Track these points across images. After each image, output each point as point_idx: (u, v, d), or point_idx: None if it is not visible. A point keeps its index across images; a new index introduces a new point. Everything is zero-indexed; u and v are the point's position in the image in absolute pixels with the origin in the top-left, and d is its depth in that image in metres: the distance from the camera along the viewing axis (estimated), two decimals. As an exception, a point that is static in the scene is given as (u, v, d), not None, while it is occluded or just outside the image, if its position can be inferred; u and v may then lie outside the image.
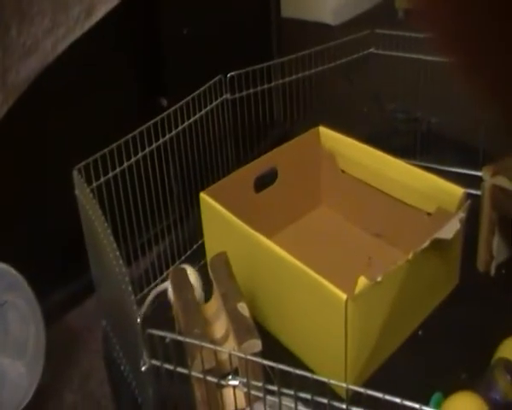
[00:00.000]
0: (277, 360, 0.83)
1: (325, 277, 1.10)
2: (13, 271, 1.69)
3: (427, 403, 1.02)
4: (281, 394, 0.80)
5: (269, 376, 0.88)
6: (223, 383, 0.88)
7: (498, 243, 1.37)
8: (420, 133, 1.68)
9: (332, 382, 0.76)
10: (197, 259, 1.44)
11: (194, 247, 1.46)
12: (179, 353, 0.93)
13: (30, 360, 1.68)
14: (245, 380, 0.85)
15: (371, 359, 1.16)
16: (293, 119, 1.64)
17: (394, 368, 1.20)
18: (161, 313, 1.30)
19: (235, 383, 0.86)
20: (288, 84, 1.59)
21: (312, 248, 1.41)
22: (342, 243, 1.45)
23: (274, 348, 1.22)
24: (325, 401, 0.76)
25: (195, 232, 1.43)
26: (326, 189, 1.54)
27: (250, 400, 0.86)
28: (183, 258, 1.44)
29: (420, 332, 1.27)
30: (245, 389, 0.85)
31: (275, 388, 0.81)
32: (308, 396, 0.77)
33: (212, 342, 1.02)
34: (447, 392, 1.05)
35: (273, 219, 1.44)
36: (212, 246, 1.34)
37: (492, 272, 1.39)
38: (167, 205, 1.42)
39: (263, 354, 0.94)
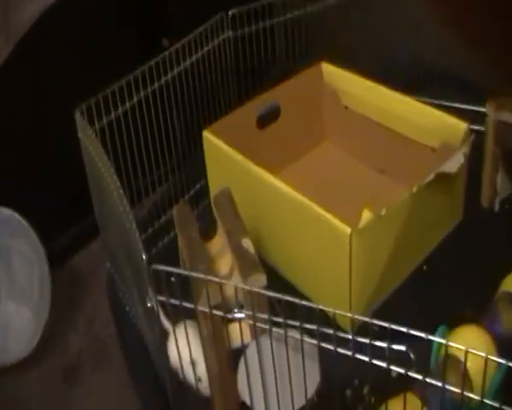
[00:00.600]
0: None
1: (329, 211, 1.10)
2: (17, 216, 1.70)
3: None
4: (286, 325, 0.80)
5: (274, 310, 0.88)
6: (229, 316, 0.88)
7: (502, 179, 1.36)
8: (423, 69, 1.67)
9: (338, 312, 0.76)
10: (201, 198, 1.44)
11: (198, 186, 1.46)
12: (185, 292, 0.93)
13: (35, 304, 1.70)
14: (250, 313, 0.84)
15: (376, 293, 1.17)
16: (295, 56, 1.62)
17: (399, 302, 1.21)
18: (168, 254, 1.30)
19: (241, 315, 0.87)
20: (290, 21, 1.57)
21: (316, 185, 1.39)
22: (346, 179, 1.45)
23: (278, 284, 1.22)
24: (331, 331, 0.76)
25: (199, 172, 1.43)
26: (329, 125, 1.53)
27: (256, 332, 0.86)
28: (186, 197, 1.44)
29: (424, 267, 1.28)
30: (250, 322, 0.85)
31: (280, 320, 0.81)
32: (314, 327, 0.77)
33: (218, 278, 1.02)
34: (452, 325, 1.05)
35: (277, 155, 1.43)
36: (216, 184, 1.33)
37: (496, 207, 1.39)
38: (170, 145, 1.41)
39: (267, 289, 0.94)
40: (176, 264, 1.18)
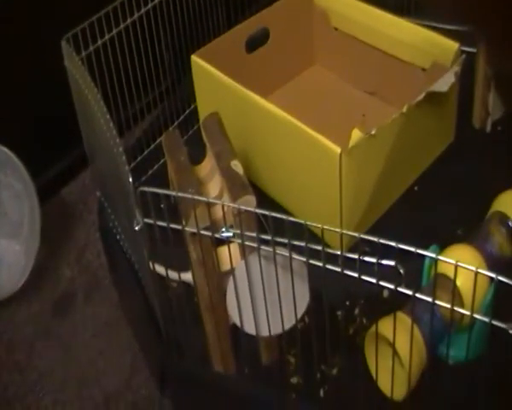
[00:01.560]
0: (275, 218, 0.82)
1: (319, 133, 1.09)
2: (4, 149, 1.68)
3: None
4: (275, 243, 0.79)
5: (263, 229, 0.87)
6: (216, 236, 0.87)
7: (494, 100, 1.35)
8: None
9: (326, 228, 0.75)
10: (191, 123, 1.42)
11: (187, 111, 1.44)
12: (175, 219, 0.92)
13: (26, 238, 1.69)
14: (238, 232, 0.84)
15: (367, 213, 1.16)
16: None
17: (390, 223, 1.20)
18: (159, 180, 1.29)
19: (229, 234, 0.86)
20: None
21: (306, 107, 1.38)
22: (336, 101, 1.43)
23: (269, 206, 1.21)
24: (319, 247, 0.75)
25: (188, 97, 1.41)
26: (319, 47, 1.51)
27: (244, 251, 0.85)
28: (176, 123, 1.42)
29: (416, 188, 1.27)
30: (239, 241, 0.84)
31: (269, 237, 0.80)
32: (302, 244, 0.76)
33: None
34: (443, 246, 1.05)
35: (266, 79, 1.42)
36: (205, 109, 1.32)
37: (488, 128, 1.38)
38: (159, 71, 1.39)
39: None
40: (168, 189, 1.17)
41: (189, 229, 0.87)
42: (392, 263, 0.72)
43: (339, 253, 0.75)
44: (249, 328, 0.90)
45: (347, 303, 1.07)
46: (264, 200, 1.23)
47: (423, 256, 0.76)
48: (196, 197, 0.86)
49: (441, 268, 0.89)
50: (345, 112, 1.39)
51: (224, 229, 0.85)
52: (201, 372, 1.05)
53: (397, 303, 0.85)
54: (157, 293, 1.02)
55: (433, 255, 0.73)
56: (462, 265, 0.73)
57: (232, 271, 0.88)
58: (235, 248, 0.92)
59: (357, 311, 1.07)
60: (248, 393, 1.03)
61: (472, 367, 0.97)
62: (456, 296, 0.93)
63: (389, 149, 1.14)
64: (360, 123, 1.15)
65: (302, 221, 0.76)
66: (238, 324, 0.90)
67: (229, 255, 0.91)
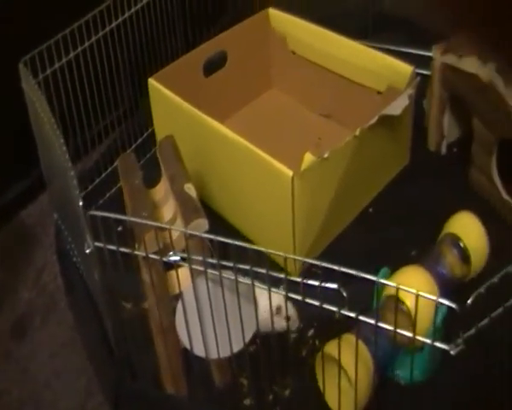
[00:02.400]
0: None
1: (274, 157, 1.09)
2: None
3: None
4: (221, 267, 0.80)
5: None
6: (164, 259, 0.87)
7: (449, 122, 1.37)
8: (372, 14, 1.66)
9: (270, 251, 0.75)
10: (148, 146, 1.43)
11: (145, 135, 1.45)
12: (131, 242, 0.92)
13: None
14: (185, 255, 0.84)
15: (320, 236, 1.17)
16: (245, 2, 1.61)
17: (344, 245, 1.21)
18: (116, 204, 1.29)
19: (177, 258, 0.86)
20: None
21: (263, 131, 1.40)
22: (293, 124, 1.45)
23: (224, 230, 1.22)
24: (263, 271, 0.76)
25: (146, 121, 1.42)
26: (276, 71, 1.52)
27: (192, 275, 0.86)
28: (133, 146, 1.43)
29: (370, 210, 1.28)
30: (186, 265, 0.85)
31: (215, 261, 0.81)
32: (247, 267, 0.77)
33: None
34: (397, 267, 1.06)
35: (224, 102, 1.42)
36: (163, 132, 1.31)
37: (443, 151, 1.40)
38: (116, 95, 1.39)
39: (215, 234, 0.93)
40: (122, 213, 1.17)
41: (138, 253, 0.88)
42: (334, 286, 0.73)
43: (282, 276, 0.75)
44: (198, 350, 0.91)
45: (301, 325, 1.07)
46: (220, 223, 1.24)
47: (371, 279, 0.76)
48: (144, 221, 0.87)
49: (392, 290, 0.91)
50: (301, 135, 1.40)
51: (171, 253, 0.86)
52: (154, 394, 1.05)
53: (347, 325, 0.85)
54: (109, 315, 1.02)
55: (374, 278, 0.74)
56: (404, 288, 0.74)
57: (180, 294, 0.88)
58: (186, 271, 0.93)
59: (310, 333, 1.08)
60: (201, 415, 1.04)
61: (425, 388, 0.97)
62: (405, 318, 0.94)
63: (342, 171, 1.15)
64: (316, 146, 1.17)
65: (248, 245, 0.76)
66: (187, 346, 0.91)
67: (178, 279, 0.91)
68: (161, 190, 1.11)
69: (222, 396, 1.02)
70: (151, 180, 1.10)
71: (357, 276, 0.73)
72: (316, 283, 0.73)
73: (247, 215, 1.21)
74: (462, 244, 1.09)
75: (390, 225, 1.25)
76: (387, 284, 0.75)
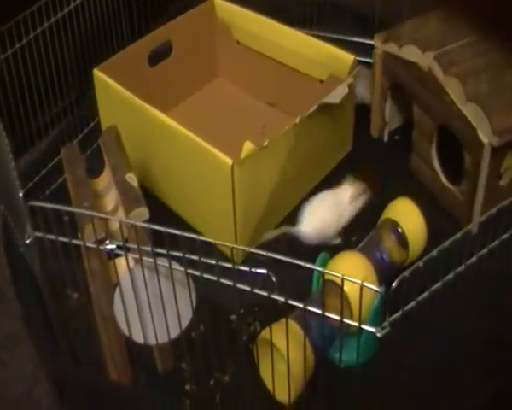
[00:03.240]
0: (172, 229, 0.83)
1: (219, 146, 1.11)
2: None
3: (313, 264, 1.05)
4: (156, 254, 0.81)
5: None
6: (101, 248, 0.89)
7: (391, 110, 1.39)
8: (319, 3, 1.68)
9: (201, 238, 0.77)
10: (95, 137, 1.43)
11: (91, 125, 1.45)
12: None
13: None
14: (121, 243, 0.85)
15: (262, 223, 1.19)
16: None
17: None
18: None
19: (113, 246, 0.87)
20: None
21: (209, 120, 1.42)
22: (238, 113, 1.46)
23: (168, 218, 1.24)
24: (196, 257, 0.77)
25: (93, 112, 1.42)
26: (222, 60, 1.54)
27: (128, 263, 0.87)
28: (79, 137, 1.43)
29: (312, 197, 1.30)
30: (122, 253, 0.86)
31: (159, 250, 0.82)
32: (180, 254, 0.78)
33: (104, 214, 1.02)
34: (336, 253, 1.08)
35: (170, 92, 1.44)
36: (108, 123, 1.32)
37: (385, 137, 1.42)
38: (62, 86, 1.40)
39: (157, 223, 0.94)
40: (67, 204, 1.18)
41: (75, 242, 0.89)
42: (263, 271, 0.74)
43: (214, 262, 0.77)
44: (137, 337, 0.92)
45: (242, 311, 1.09)
46: (165, 211, 1.26)
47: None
48: (82, 211, 0.88)
49: (329, 276, 0.93)
50: (246, 123, 1.42)
51: (107, 241, 0.87)
52: (98, 382, 1.06)
53: (287, 310, 0.87)
54: (53, 304, 1.03)
55: (306, 264, 0.76)
56: (329, 272, 0.76)
57: (118, 282, 0.89)
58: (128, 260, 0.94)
59: (251, 318, 1.09)
60: (145, 401, 1.05)
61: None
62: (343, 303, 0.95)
63: (283, 159, 1.17)
64: (260, 135, 1.18)
65: (179, 232, 0.78)
66: (126, 333, 0.92)
67: (119, 267, 0.92)
68: (104, 180, 1.12)
69: (164, 382, 1.04)
70: (96, 170, 1.10)
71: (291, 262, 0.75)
72: (246, 268, 0.75)
73: (189, 203, 1.22)
74: (400, 229, 1.12)
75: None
76: (318, 270, 0.76)
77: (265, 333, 0.94)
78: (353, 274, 1.00)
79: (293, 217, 1.20)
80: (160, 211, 1.25)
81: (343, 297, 0.78)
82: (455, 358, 1.03)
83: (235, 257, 1.10)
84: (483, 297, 1.06)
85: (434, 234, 1.12)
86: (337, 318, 0.78)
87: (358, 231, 1.20)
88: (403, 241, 1.12)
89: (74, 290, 1.15)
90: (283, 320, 0.89)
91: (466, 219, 1.21)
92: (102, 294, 0.96)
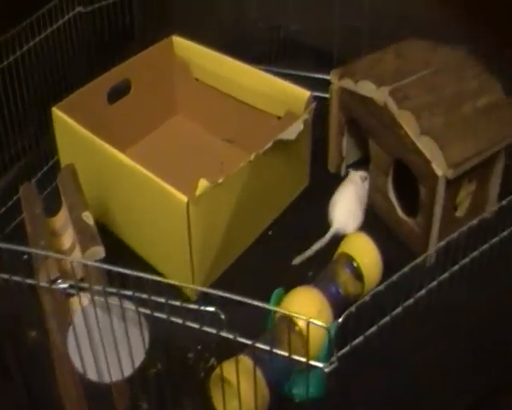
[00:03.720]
0: (130, 268, 0.83)
1: (177, 183, 1.12)
2: None
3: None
4: (107, 293, 0.82)
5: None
6: (53, 287, 0.89)
7: (348, 144, 1.41)
8: (278, 40, 1.70)
9: (153, 277, 0.77)
10: (54, 175, 1.43)
11: (50, 163, 1.45)
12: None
13: None
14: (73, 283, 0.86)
15: (219, 260, 1.20)
16: (153, 30, 1.63)
17: (243, 268, 1.24)
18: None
19: (65, 285, 0.88)
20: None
21: (167, 157, 1.43)
22: (197, 150, 1.48)
23: (126, 256, 1.25)
24: (145, 296, 0.78)
25: (51, 149, 1.42)
26: (181, 98, 1.55)
27: (81, 302, 0.87)
28: (39, 175, 1.43)
29: (270, 232, 1.31)
30: (73, 292, 0.86)
31: (110, 289, 0.83)
32: (130, 293, 0.79)
33: (61, 253, 1.02)
34: (292, 288, 1.09)
35: (129, 130, 1.45)
36: (67, 161, 1.32)
37: (343, 172, 1.44)
38: (21, 124, 1.40)
39: (116, 261, 0.95)
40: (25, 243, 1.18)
41: (29, 281, 0.89)
42: (212, 309, 0.75)
43: (163, 300, 0.77)
44: (92, 375, 0.92)
45: (199, 347, 1.09)
46: (123, 249, 1.26)
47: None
48: (33, 250, 0.88)
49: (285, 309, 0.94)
50: (204, 160, 1.43)
51: (59, 281, 0.87)
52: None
53: (242, 347, 0.87)
54: (8, 343, 1.03)
55: (256, 303, 0.76)
56: (277, 309, 0.76)
57: (71, 320, 0.90)
58: (84, 298, 0.94)
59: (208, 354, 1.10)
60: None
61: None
62: (298, 338, 0.96)
63: (239, 196, 1.18)
64: (218, 172, 1.19)
65: (129, 272, 0.78)
66: (80, 370, 0.92)
67: (71, 306, 0.92)
68: (61, 219, 1.12)
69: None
70: (54, 209, 1.11)
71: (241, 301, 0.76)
72: (195, 306, 0.76)
73: (146, 241, 1.23)
74: (355, 264, 1.13)
75: (289, 246, 1.28)
76: (266, 307, 0.77)
77: (219, 370, 0.94)
78: (307, 309, 1.03)
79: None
80: (119, 249, 1.26)
81: (290, 333, 0.79)
82: (408, 390, 1.04)
83: (192, 294, 1.12)
84: (436, 328, 1.08)
85: (392, 267, 1.13)
86: (285, 354, 0.79)
87: (314, 266, 1.21)
88: (358, 275, 1.13)
89: (32, 329, 1.15)
90: (239, 357, 0.90)
91: (423, 251, 1.22)
92: (58, 332, 0.97)
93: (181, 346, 1.04)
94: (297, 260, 1.25)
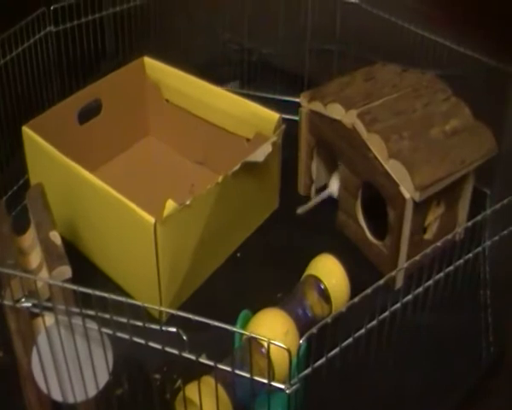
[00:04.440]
0: (97, 287, 0.83)
1: (146, 205, 1.12)
2: None
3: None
4: (70, 313, 0.82)
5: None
6: (17, 306, 0.89)
7: (317, 167, 1.42)
8: (249, 63, 1.71)
9: (114, 297, 0.78)
10: (24, 194, 1.43)
11: (20, 182, 1.45)
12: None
13: None
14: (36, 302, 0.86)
15: (187, 281, 1.20)
16: (125, 51, 1.63)
17: (212, 289, 1.25)
18: None
19: (28, 304, 0.88)
20: (120, 15, 1.58)
21: (137, 178, 1.43)
22: (167, 171, 1.48)
23: (94, 276, 1.24)
24: (108, 316, 0.78)
25: (22, 168, 1.42)
26: (151, 119, 1.55)
27: (44, 321, 0.87)
28: (10, 193, 1.43)
29: (238, 254, 1.32)
30: (37, 311, 0.86)
31: (73, 309, 0.83)
32: (92, 313, 0.79)
33: (28, 272, 1.02)
34: (259, 309, 1.09)
35: (99, 150, 1.45)
36: (37, 180, 1.31)
37: (312, 195, 1.44)
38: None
39: (84, 281, 0.95)
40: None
41: (-2, 301, 0.89)
42: (173, 330, 0.75)
43: (125, 320, 0.77)
44: (56, 394, 0.92)
45: (165, 369, 1.09)
46: (91, 269, 1.26)
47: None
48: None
49: (251, 331, 0.94)
50: (175, 182, 1.43)
51: (23, 299, 0.87)
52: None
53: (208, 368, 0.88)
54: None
55: (221, 325, 0.76)
56: (239, 331, 0.76)
57: (35, 340, 0.89)
58: (49, 318, 0.94)
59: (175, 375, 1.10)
60: None
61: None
62: (264, 359, 0.96)
63: (207, 218, 1.18)
64: (188, 193, 1.20)
65: (91, 291, 0.78)
66: (45, 390, 0.92)
67: (37, 326, 0.92)
68: (29, 238, 1.12)
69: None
70: (23, 228, 1.11)
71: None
72: (157, 327, 0.76)
73: (114, 261, 1.23)
74: (322, 285, 1.14)
75: (258, 268, 1.29)
76: (231, 330, 0.77)
77: (185, 391, 0.94)
78: (273, 331, 1.03)
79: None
80: (87, 268, 1.25)
81: (251, 355, 0.79)
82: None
83: (162, 315, 1.12)
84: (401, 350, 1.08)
85: (361, 289, 1.13)
86: (247, 375, 0.79)
87: (282, 288, 1.21)
88: (326, 296, 1.13)
89: (0, 349, 1.15)
90: (205, 378, 0.91)
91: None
92: (23, 352, 0.96)
93: (147, 366, 1.04)
94: (300, 210, 1.38)
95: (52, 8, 1.45)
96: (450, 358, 1.13)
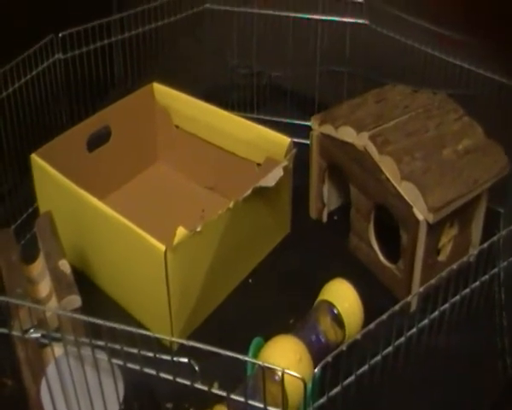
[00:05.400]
0: (107, 316, 0.82)
1: (157, 232, 1.10)
2: None
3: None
4: (79, 343, 0.81)
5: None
6: (26, 337, 0.88)
7: (329, 191, 1.40)
8: (259, 87, 1.70)
9: (125, 327, 0.76)
10: (33, 222, 1.42)
11: (30, 210, 1.44)
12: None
13: None
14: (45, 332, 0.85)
15: (198, 308, 1.18)
16: (134, 77, 1.63)
17: (224, 316, 1.23)
18: None
19: (37, 335, 0.86)
20: (129, 42, 1.57)
21: (148, 205, 1.42)
22: (177, 197, 1.47)
23: (104, 304, 1.23)
24: (118, 347, 0.77)
25: (31, 196, 1.41)
26: (161, 145, 1.55)
27: (54, 352, 0.86)
28: (19, 221, 1.42)
29: (250, 280, 1.30)
30: (46, 342, 0.85)
31: (83, 339, 0.81)
32: (102, 344, 0.78)
33: (37, 301, 1.01)
34: (273, 336, 1.08)
35: (108, 177, 1.44)
36: (46, 207, 1.32)
37: (324, 219, 1.43)
38: (0, 171, 1.39)
39: (94, 309, 0.94)
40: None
41: (1, 330, 0.88)
42: (185, 360, 0.74)
43: (135, 351, 0.76)
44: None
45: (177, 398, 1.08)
46: (101, 297, 1.25)
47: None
48: (6, 299, 0.87)
49: (264, 358, 0.93)
50: (185, 208, 1.42)
51: (32, 330, 0.86)
52: None
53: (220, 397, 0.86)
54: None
55: (230, 354, 0.75)
56: (251, 360, 0.75)
57: (44, 371, 0.88)
58: (59, 348, 0.93)
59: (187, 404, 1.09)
60: None
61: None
62: (279, 387, 0.95)
63: (218, 244, 1.17)
64: (199, 219, 1.19)
65: (101, 322, 0.77)
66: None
67: (46, 355, 0.91)
68: (39, 267, 1.12)
69: None
70: (32, 256, 1.10)
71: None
72: (168, 357, 0.75)
73: (124, 289, 1.22)
74: (335, 310, 1.12)
75: (270, 294, 1.27)
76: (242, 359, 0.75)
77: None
78: (287, 358, 1.01)
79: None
80: (97, 297, 1.24)
81: (265, 384, 0.77)
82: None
83: (173, 344, 1.10)
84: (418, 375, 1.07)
85: (375, 313, 1.12)
86: (260, 405, 0.77)
87: (295, 314, 1.20)
88: (339, 321, 1.12)
89: (9, 378, 1.14)
90: (216, 407, 0.89)
91: (405, 297, 1.21)
92: (32, 382, 0.95)
93: (159, 395, 1.03)
94: None
95: (60, 35, 1.44)
96: (465, 381, 1.11)
